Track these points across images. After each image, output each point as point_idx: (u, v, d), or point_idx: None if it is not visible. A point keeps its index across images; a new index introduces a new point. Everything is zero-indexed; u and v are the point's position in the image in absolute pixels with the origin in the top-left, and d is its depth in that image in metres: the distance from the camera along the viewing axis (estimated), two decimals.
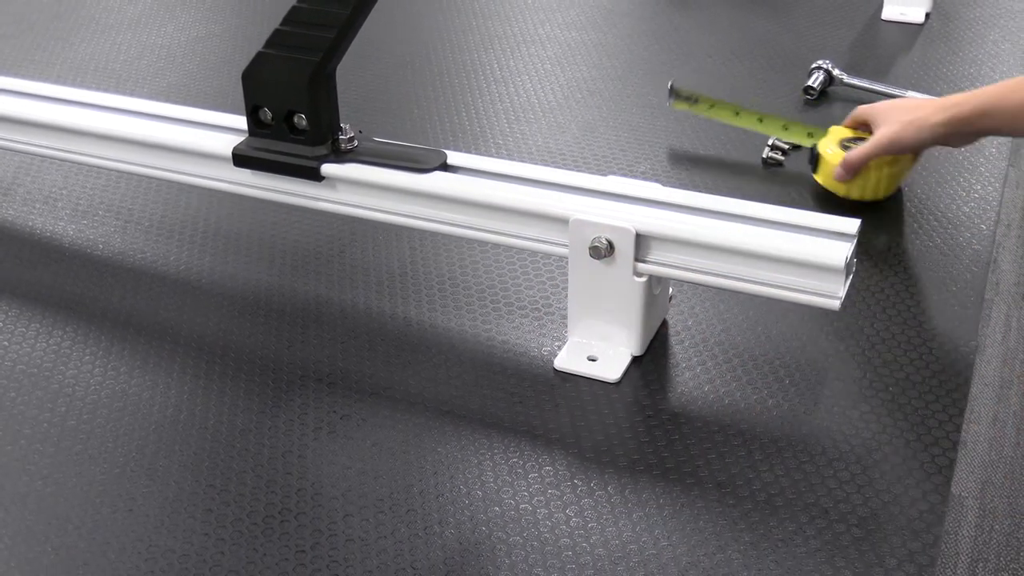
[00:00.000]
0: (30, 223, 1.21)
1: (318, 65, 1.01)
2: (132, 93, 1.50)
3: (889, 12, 1.71)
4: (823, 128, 1.25)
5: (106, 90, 1.50)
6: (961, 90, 1.48)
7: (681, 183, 1.26)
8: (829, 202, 1.22)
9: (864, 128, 1.22)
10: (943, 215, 1.19)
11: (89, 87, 1.51)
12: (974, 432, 2.20)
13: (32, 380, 0.98)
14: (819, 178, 1.22)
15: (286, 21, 1.01)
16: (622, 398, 0.95)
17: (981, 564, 1.92)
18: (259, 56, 1.03)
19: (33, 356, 1.01)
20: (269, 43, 1.02)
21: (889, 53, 1.64)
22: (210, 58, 1.61)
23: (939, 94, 1.48)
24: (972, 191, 1.24)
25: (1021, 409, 2.23)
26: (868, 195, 1.20)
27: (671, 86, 1.35)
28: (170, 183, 1.14)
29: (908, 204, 1.22)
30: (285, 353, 1.01)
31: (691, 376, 0.97)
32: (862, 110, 1.22)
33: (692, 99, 1.35)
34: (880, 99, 1.33)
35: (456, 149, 1.33)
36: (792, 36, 1.67)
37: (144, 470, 0.88)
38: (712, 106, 1.34)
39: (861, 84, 1.46)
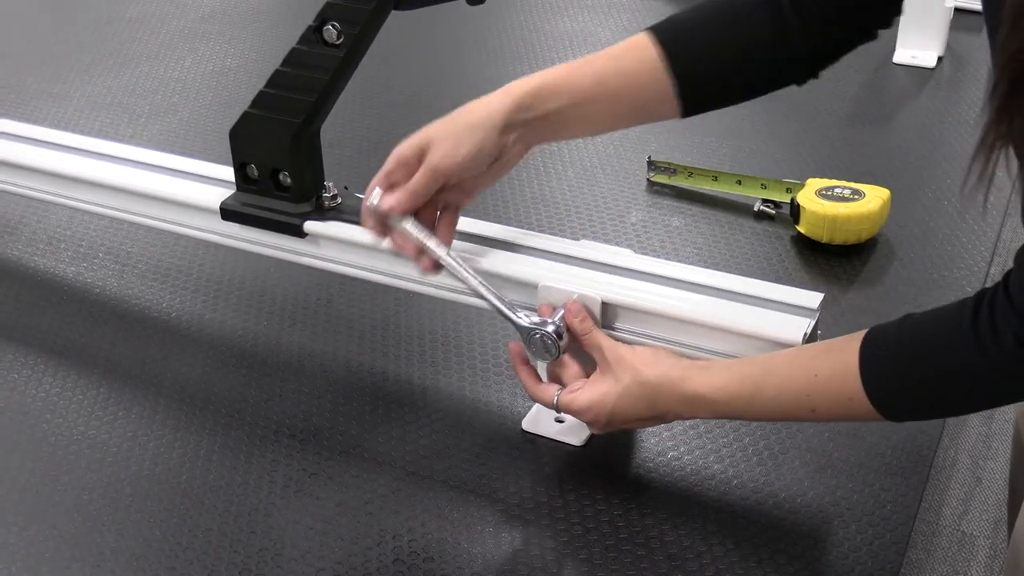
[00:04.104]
0: (32, 264, 1.25)
1: (300, 126, 1.03)
2: (144, 129, 1.54)
3: (901, 56, 1.71)
4: (800, 182, 1.27)
5: (119, 126, 1.54)
6: (966, 139, 1.49)
7: (674, 233, 1.28)
8: (813, 249, 1.25)
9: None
10: (932, 267, 1.20)
11: (102, 122, 1.55)
12: (990, 469, 2.19)
13: (19, 428, 1.01)
14: (801, 228, 1.25)
15: (270, 84, 1.03)
16: (584, 463, 0.96)
17: None
18: (245, 116, 1.05)
19: (23, 403, 1.04)
20: (254, 104, 1.05)
21: (897, 97, 1.64)
22: (223, 94, 1.64)
23: (941, 139, 1.48)
24: (961, 249, 1.24)
25: None
26: (852, 239, 1.24)
27: (649, 159, 1.38)
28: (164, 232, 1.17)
29: (899, 248, 1.24)
30: (263, 406, 1.03)
31: (656, 442, 0.98)
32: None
33: (670, 170, 1.37)
34: None
35: None
36: None
37: (115, 524, 0.91)
38: (691, 175, 1.36)
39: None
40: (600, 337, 0.92)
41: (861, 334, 0.81)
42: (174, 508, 0.92)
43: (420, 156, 0.92)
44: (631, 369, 0.89)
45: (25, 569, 0.87)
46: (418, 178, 0.92)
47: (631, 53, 0.93)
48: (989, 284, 1.22)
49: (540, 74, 0.94)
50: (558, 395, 0.92)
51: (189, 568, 0.87)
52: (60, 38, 1.86)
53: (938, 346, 0.78)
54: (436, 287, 1.03)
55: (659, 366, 0.88)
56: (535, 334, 0.93)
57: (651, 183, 1.39)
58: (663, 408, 0.89)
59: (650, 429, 0.99)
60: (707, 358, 0.93)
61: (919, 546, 2.03)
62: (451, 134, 0.92)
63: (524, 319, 0.94)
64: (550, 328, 0.92)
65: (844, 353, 0.81)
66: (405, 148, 0.93)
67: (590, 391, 0.91)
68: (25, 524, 0.91)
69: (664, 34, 0.92)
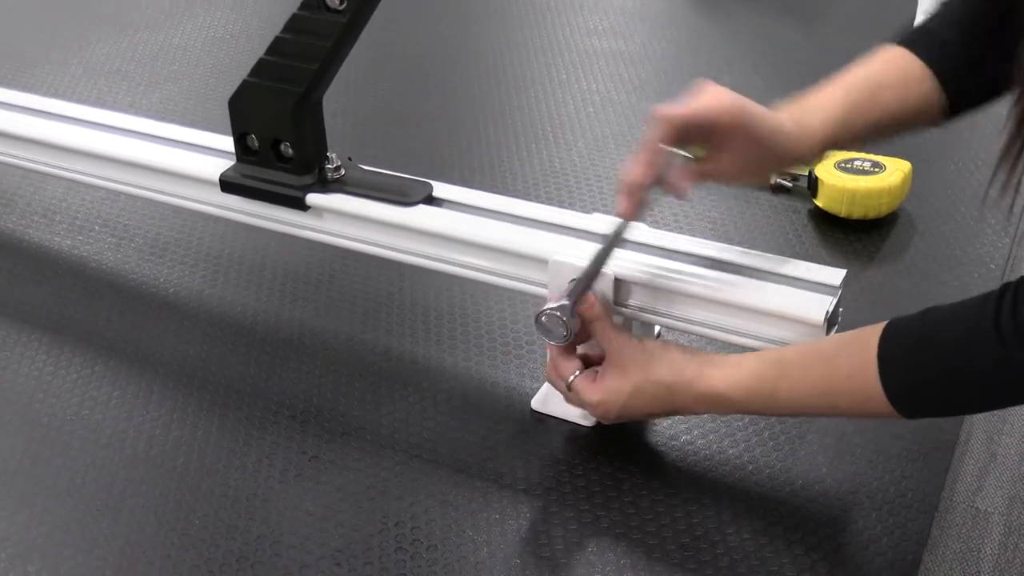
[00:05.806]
0: (27, 237, 1.22)
1: (302, 96, 1.00)
2: (143, 97, 1.50)
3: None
4: None
5: (117, 94, 1.50)
6: (989, 112, 1.44)
7: (686, 206, 1.24)
8: (831, 223, 1.21)
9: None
10: (954, 243, 1.16)
11: (100, 90, 1.51)
12: (1005, 444, 2.16)
13: (11, 408, 0.98)
14: (819, 201, 1.21)
15: (270, 51, 0.99)
16: (595, 445, 0.93)
17: None
18: (244, 85, 1.02)
19: (16, 382, 1.01)
20: (254, 72, 1.01)
21: None
22: (225, 60, 1.61)
23: None
24: (979, 235, 1.20)
25: None
26: (871, 214, 1.20)
27: None
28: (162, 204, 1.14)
29: (920, 223, 1.21)
30: (262, 386, 1.00)
31: (669, 425, 0.95)
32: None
33: None
34: None
35: (462, 163, 1.32)
36: (817, 47, 1.63)
37: (109, 509, 0.88)
38: None
39: None
40: (607, 329, 0.89)
41: (880, 328, 0.78)
42: (170, 492, 0.89)
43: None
44: (642, 368, 0.86)
45: (15, 555, 0.84)
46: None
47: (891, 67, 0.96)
48: (1011, 261, 1.19)
49: (825, 112, 0.98)
50: (573, 377, 0.89)
51: (185, 555, 0.84)
52: (58, 2, 1.82)
53: (959, 344, 0.75)
54: (441, 262, 0.99)
55: (671, 364, 0.86)
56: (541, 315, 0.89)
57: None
58: (678, 405, 0.87)
59: None
60: (720, 339, 0.90)
61: (932, 523, 1.99)
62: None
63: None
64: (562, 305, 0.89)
65: (863, 350, 0.78)
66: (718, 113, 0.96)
67: (601, 386, 0.88)
68: (16, 508, 0.88)
69: (917, 44, 0.94)
